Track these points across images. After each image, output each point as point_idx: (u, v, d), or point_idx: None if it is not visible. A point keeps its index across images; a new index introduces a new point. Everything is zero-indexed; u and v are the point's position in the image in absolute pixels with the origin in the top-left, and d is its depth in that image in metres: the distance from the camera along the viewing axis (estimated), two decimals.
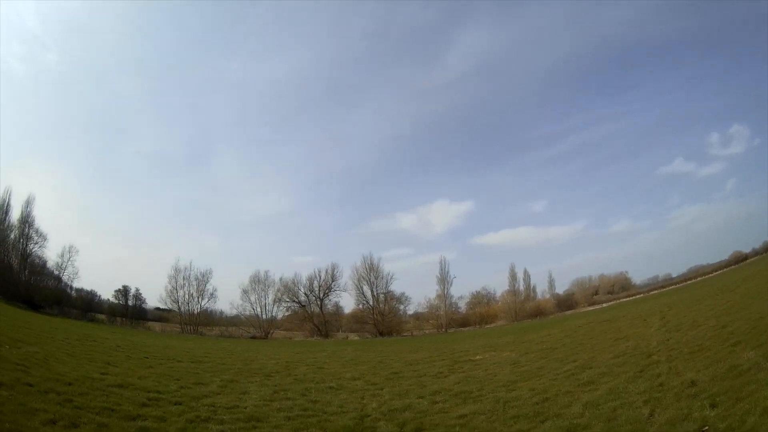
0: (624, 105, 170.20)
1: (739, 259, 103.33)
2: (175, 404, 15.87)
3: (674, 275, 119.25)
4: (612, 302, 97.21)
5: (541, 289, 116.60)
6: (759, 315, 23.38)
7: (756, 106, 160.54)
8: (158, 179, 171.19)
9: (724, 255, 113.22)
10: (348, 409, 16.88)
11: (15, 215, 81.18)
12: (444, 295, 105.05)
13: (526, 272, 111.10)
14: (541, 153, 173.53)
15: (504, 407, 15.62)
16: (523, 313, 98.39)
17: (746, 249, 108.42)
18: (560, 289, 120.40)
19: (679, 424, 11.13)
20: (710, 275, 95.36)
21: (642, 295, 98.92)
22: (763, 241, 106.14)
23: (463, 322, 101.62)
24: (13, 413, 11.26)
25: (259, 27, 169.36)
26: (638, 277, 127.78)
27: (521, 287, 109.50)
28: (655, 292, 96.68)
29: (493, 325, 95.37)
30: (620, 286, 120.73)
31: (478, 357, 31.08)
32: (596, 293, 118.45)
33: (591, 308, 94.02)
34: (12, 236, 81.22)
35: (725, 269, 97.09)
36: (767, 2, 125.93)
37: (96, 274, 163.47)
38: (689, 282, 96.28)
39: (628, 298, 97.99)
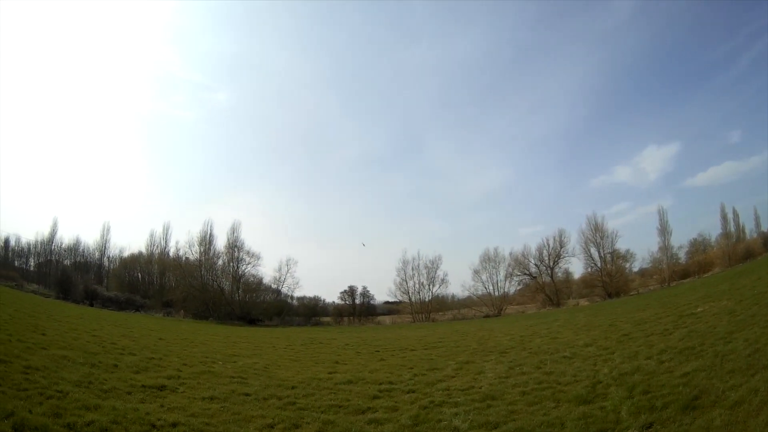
0: None
1: None
2: (408, 392, 15.76)
3: None
4: None
5: (749, 228, 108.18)
6: None
7: None
8: (376, 178, 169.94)
9: None
10: (581, 377, 16.32)
11: (221, 243, 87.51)
12: (665, 247, 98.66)
13: (735, 212, 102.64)
14: (722, 77, 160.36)
15: (722, 361, 14.77)
16: (736, 257, 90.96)
17: None
18: (766, 225, 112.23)
19: None
20: None
21: None
22: None
23: (684, 274, 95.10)
24: (224, 423, 11.20)
25: (430, 11, 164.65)
26: None
27: (732, 229, 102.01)
28: None
29: (710, 273, 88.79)
30: None
31: (699, 309, 29.51)
32: None
33: None
34: (220, 262, 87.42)
35: None
36: None
37: (319, 279, 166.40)
38: None
39: None
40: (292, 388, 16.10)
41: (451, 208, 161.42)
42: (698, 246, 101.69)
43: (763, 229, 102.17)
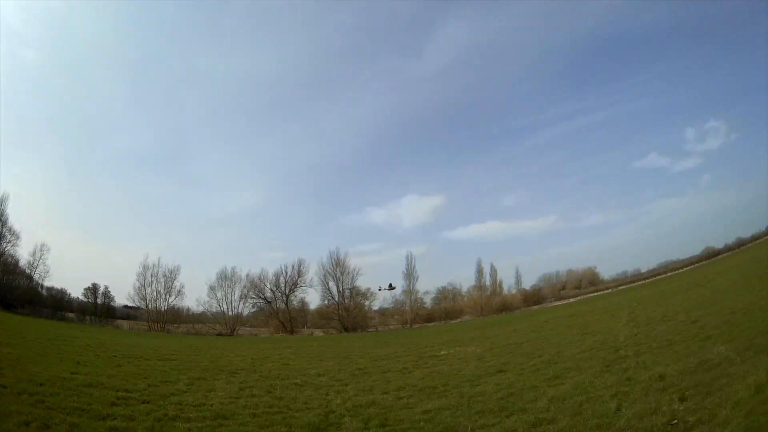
0: (600, 99, 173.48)
1: (711, 255, 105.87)
2: (143, 403, 16.09)
3: (644, 270, 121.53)
4: (579, 297, 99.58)
5: (508, 284, 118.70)
6: (731, 310, 24.33)
7: (734, 102, 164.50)
8: (133, 175, 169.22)
9: (696, 250, 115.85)
10: (313, 405, 17.13)
11: None
12: (410, 291, 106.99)
13: (492, 267, 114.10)
14: (514, 147, 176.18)
15: (469, 402, 15.97)
16: (489, 309, 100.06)
17: (719, 245, 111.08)
18: (528, 284, 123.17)
19: (647, 417, 11.42)
20: (681, 270, 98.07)
21: (610, 290, 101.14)
22: (737, 237, 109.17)
23: (429, 318, 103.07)
24: None
25: (238, 21, 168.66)
26: (607, 272, 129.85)
27: (488, 282, 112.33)
28: (624, 287, 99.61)
29: (458, 320, 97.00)
30: (588, 281, 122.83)
31: (443, 352, 31.58)
32: (563, 288, 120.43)
33: (558, 303, 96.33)
34: None
35: (696, 264, 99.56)
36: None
37: (68, 272, 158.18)
38: (659, 277, 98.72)
39: (596, 293, 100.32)
40: (41, 384, 16.30)
41: (200, 220, 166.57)
42: (447, 294, 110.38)
43: (524, 286, 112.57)
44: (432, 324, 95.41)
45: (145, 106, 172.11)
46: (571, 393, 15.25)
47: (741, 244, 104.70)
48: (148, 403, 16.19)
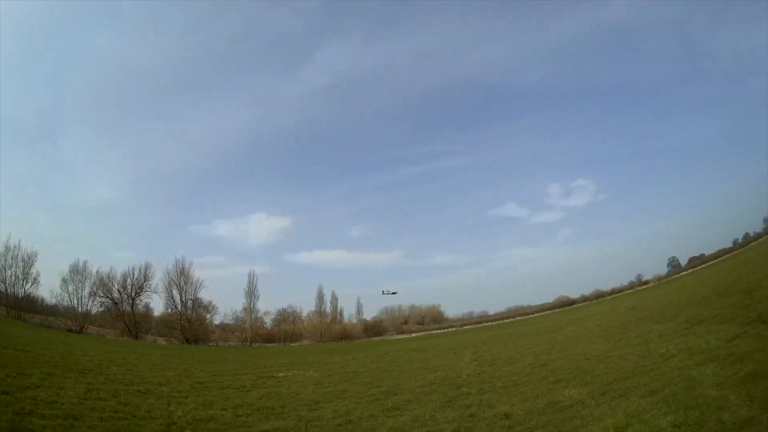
0: (463, 145, 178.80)
1: (565, 304, 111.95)
2: (3, 393, 16.11)
3: (491, 313, 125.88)
4: (422, 333, 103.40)
5: (349, 312, 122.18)
6: (584, 356, 25.39)
7: (607, 164, 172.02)
8: (8, 147, 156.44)
9: (549, 299, 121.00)
10: (155, 415, 17.24)
11: None
12: (250, 309, 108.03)
13: (333, 295, 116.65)
14: (372, 179, 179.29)
15: (306, 426, 16.43)
16: (329, 335, 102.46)
17: (574, 295, 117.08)
18: (370, 314, 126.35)
19: None
20: (531, 316, 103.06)
21: (454, 328, 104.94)
22: (595, 289, 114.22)
23: (268, 338, 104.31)
24: None
25: (132, 8, 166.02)
26: (452, 310, 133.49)
27: (328, 309, 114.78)
28: (469, 327, 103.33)
29: (298, 343, 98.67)
30: (431, 318, 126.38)
31: (281, 374, 32.19)
32: (406, 322, 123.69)
33: (400, 336, 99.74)
34: None
35: (548, 312, 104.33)
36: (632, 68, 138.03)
37: None
38: (507, 320, 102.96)
39: (439, 330, 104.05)
40: None
41: (61, 207, 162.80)
42: (287, 316, 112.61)
43: (365, 317, 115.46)
44: (271, 345, 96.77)
45: (32, 73, 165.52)
46: (410, 425, 15.70)
47: (599, 296, 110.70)
48: (7, 394, 16.22)
